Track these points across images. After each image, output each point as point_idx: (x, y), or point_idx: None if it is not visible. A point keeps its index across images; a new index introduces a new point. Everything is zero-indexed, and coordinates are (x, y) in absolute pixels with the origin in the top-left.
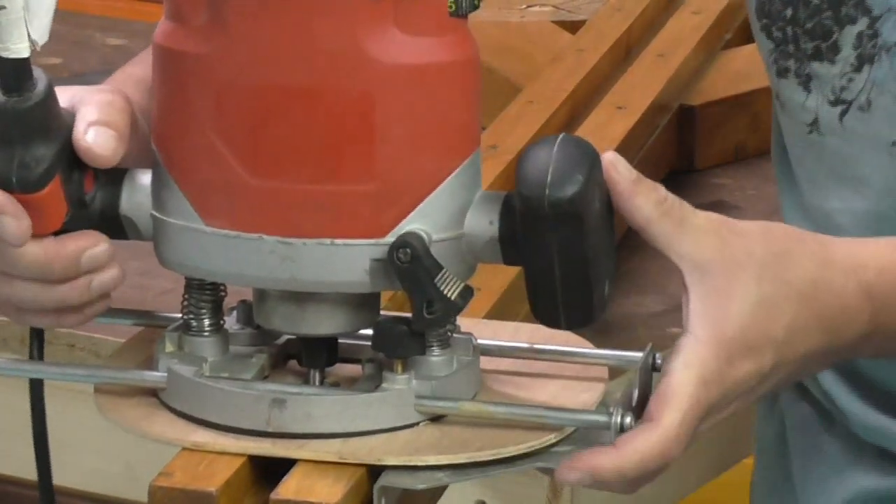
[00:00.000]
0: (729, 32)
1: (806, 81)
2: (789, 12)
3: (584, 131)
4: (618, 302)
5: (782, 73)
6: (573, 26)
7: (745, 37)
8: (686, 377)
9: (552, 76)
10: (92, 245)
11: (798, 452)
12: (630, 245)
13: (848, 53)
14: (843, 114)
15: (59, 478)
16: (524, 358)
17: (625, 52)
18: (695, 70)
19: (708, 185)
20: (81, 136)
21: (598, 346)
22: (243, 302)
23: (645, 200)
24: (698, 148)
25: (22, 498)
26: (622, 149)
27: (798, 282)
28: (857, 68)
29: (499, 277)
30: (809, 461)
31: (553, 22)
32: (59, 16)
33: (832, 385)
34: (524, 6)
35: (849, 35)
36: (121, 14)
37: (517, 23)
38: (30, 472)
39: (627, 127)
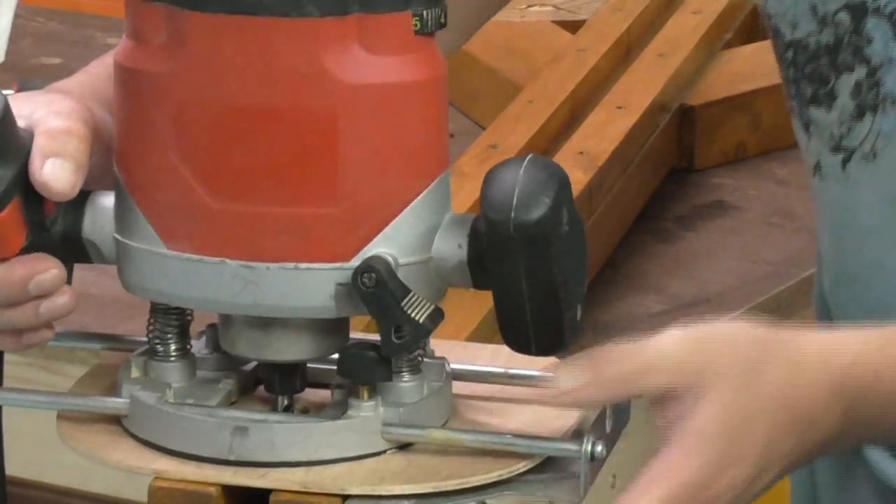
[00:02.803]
0: (729, 32)
1: (806, 126)
2: (790, 55)
3: (585, 131)
4: (618, 302)
5: (791, 111)
6: (573, 26)
7: (745, 37)
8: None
9: (552, 76)
10: (41, 271)
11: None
12: (630, 246)
13: (845, 101)
14: (845, 161)
15: (60, 477)
16: (499, 383)
17: (625, 51)
18: (695, 70)
19: (708, 185)
20: (38, 170)
21: (599, 345)
22: (211, 326)
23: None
24: (698, 148)
25: (24, 499)
26: (622, 148)
27: (768, 392)
28: (857, 117)
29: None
30: None
31: (553, 22)
32: (59, 15)
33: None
34: (524, 6)
35: (845, 83)
36: (120, 13)
37: (518, 22)
38: (28, 472)
39: (627, 127)
